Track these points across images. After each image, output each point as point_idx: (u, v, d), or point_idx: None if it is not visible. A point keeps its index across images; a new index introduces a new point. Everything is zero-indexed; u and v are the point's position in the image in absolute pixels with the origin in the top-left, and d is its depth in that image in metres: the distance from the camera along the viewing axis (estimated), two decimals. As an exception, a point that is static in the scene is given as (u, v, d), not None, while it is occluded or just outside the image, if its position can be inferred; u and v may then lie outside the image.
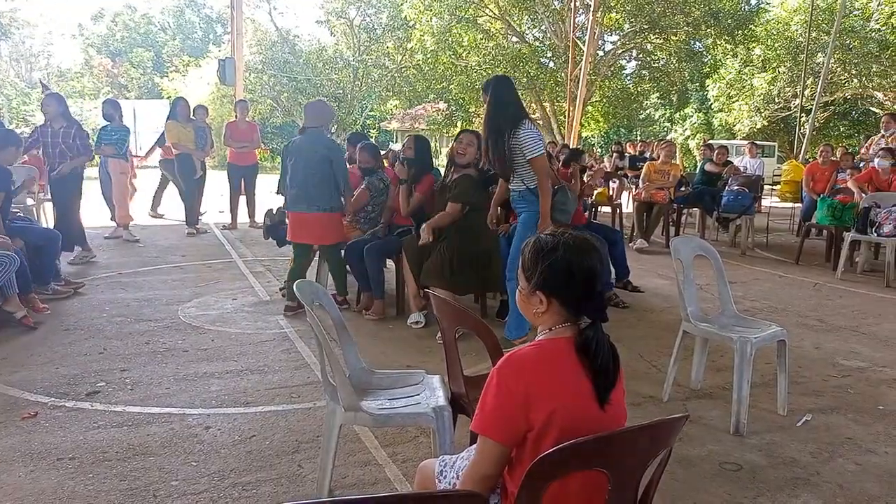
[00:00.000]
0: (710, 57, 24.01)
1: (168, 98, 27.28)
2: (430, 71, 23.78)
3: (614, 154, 12.88)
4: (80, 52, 44.08)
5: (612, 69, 22.58)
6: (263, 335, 4.61)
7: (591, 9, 17.69)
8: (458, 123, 25.64)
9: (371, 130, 31.08)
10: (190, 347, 4.31)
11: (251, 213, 9.45)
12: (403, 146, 5.53)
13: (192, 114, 8.84)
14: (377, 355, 4.16)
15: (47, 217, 8.59)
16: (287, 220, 5.20)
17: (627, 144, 15.38)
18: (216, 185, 10.79)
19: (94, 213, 8.77)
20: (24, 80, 39.81)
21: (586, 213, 6.22)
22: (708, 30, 20.14)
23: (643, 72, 23.93)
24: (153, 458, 2.85)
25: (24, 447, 2.93)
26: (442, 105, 26.23)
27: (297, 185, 4.91)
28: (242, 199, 9.57)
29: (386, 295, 5.54)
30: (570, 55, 19.12)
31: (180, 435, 3.08)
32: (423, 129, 29.65)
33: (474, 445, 1.69)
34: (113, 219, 8.31)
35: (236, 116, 9.69)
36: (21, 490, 2.59)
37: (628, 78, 24.53)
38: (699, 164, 10.63)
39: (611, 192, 10.41)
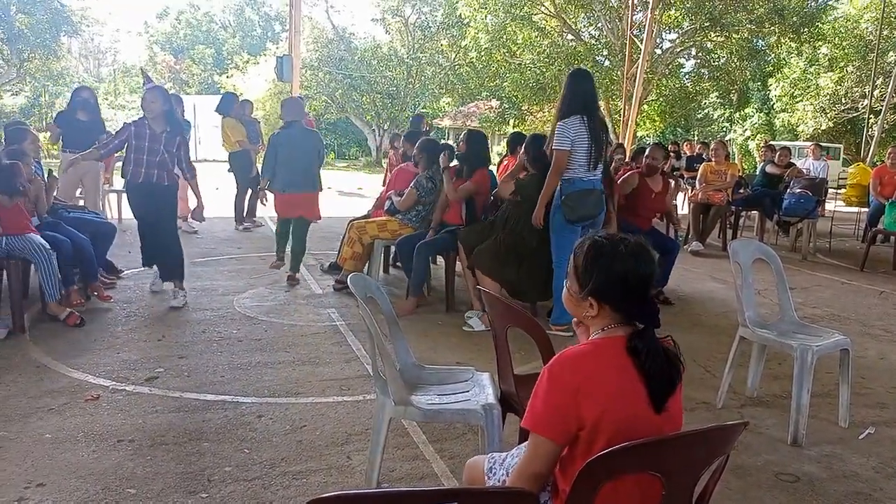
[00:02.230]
0: (773, 55, 23.26)
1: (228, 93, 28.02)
2: (483, 68, 23.73)
3: (671, 154, 12.61)
4: (144, 49, 45.66)
5: (669, 67, 22.10)
6: (315, 327, 4.68)
7: (650, 6, 17.35)
8: (511, 121, 25.54)
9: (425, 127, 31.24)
10: (244, 337, 4.41)
11: None
12: (459, 141, 5.59)
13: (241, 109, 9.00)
14: (426, 351, 4.17)
15: (111, 208, 8.91)
16: (275, 199, 6.01)
17: (685, 144, 15.04)
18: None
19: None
20: (93, 76, 41.41)
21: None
22: (772, 27, 19.49)
23: (702, 70, 23.34)
24: (207, 444, 2.93)
25: (87, 428, 3.05)
26: (495, 103, 26.14)
27: (290, 172, 5.76)
28: None
29: (433, 292, 5.58)
30: (626, 53, 18.80)
31: (234, 422, 3.16)
32: (475, 127, 29.67)
33: (524, 443, 1.68)
34: None
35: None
36: (84, 469, 2.70)
37: (686, 76, 23.97)
38: (759, 166, 10.31)
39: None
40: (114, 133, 5.35)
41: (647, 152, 5.94)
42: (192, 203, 8.31)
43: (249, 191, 8.96)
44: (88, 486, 2.57)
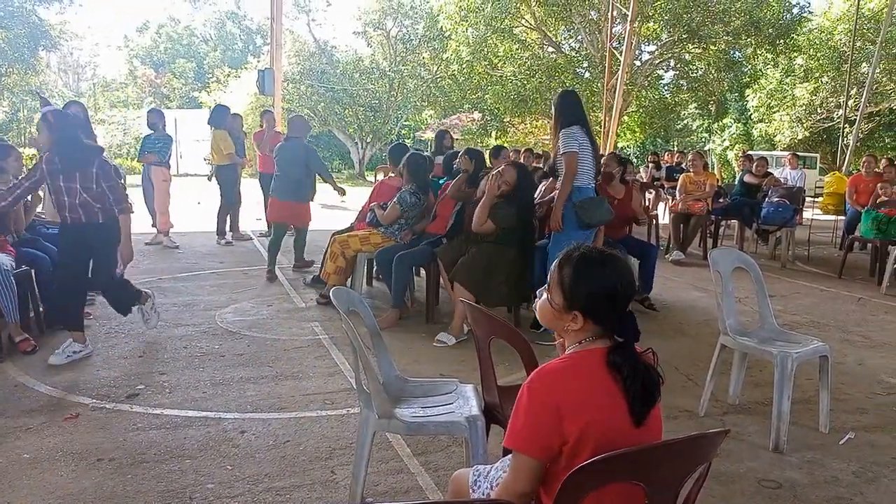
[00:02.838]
0: (750, 67, 23.64)
1: (209, 108, 27.90)
2: (465, 81, 23.85)
3: (651, 165, 12.75)
4: (125, 63, 45.36)
5: (649, 79, 22.38)
6: (298, 341, 4.65)
7: (629, 18, 17.57)
8: (493, 133, 25.69)
9: (406, 140, 31.26)
10: (226, 352, 4.38)
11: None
12: (460, 158, 5.62)
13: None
14: (410, 363, 4.17)
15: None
16: (270, 205, 6.93)
17: (665, 155, 15.20)
18: (252, 192, 10.91)
19: (135, 219, 8.94)
20: (73, 91, 41.07)
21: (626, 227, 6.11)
22: (748, 39, 19.82)
23: (681, 82, 23.67)
24: (189, 461, 2.90)
25: (66, 447, 3.00)
26: (477, 115, 26.29)
27: (285, 181, 6.58)
28: None
29: (416, 304, 5.57)
30: (606, 65, 19.00)
31: (216, 438, 3.13)
32: (457, 139, 29.74)
33: (509, 456, 1.68)
34: (154, 225, 8.49)
35: (262, 126, 9.72)
36: (63, 489, 2.65)
37: (665, 88, 24.28)
38: (738, 176, 10.45)
39: (647, 203, 10.29)
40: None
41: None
42: (161, 218, 8.29)
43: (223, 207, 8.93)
44: (67, 507, 2.52)
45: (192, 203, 12.99)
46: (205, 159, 24.62)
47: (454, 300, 4.83)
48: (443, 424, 2.46)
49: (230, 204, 8.87)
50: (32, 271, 4.51)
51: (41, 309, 4.69)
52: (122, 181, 4.34)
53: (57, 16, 27.50)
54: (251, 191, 10.51)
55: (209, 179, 9.28)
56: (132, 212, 4.30)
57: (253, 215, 11.00)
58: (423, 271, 5.84)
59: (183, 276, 6.64)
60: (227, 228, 8.92)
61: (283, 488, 2.71)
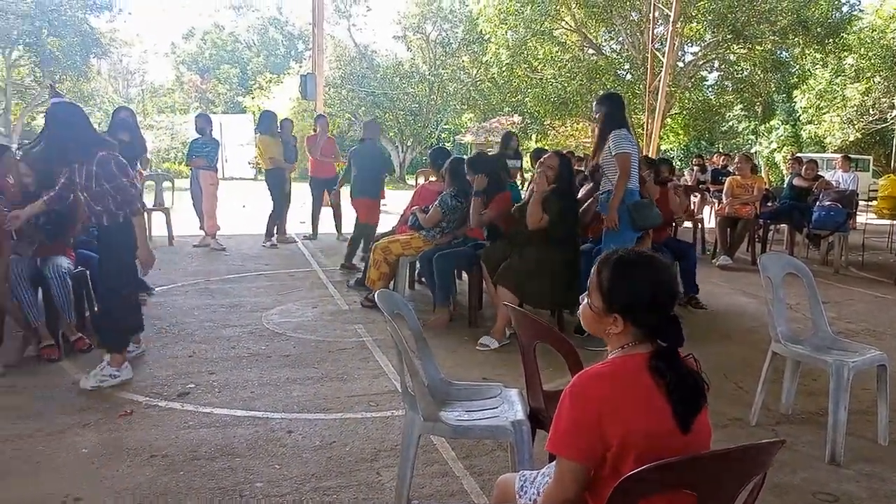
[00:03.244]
0: (797, 67, 23.03)
1: (252, 112, 28.43)
2: (504, 84, 23.79)
3: (695, 167, 12.53)
4: (171, 69, 46.54)
5: (692, 80, 21.98)
6: (342, 343, 4.71)
7: (671, 19, 17.32)
8: (533, 136, 25.57)
9: (446, 143, 31.38)
10: (273, 353, 4.45)
11: (338, 226, 9.60)
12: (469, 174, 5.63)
13: (278, 127, 9.17)
14: (453, 367, 4.17)
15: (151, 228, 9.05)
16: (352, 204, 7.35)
17: (716, 157, 14.92)
18: (297, 196, 11.07)
19: (184, 222, 9.17)
20: (122, 97, 42.26)
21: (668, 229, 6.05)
22: (796, 38, 19.31)
23: (726, 83, 23.18)
24: (239, 460, 2.96)
25: (121, 443, 3.10)
26: (517, 118, 26.20)
27: (358, 181, 7.28)
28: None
29: (459, 307, 5.58)
30: (648, 67, 18.75)
31: (264, 438, 3.18)
32: (497, 142, 29.71)
33: (555, 462, 1.67)
34: (202, 228, 8.67)
35: (315, 131, 9.92)
36: (119, 483, 2.73)
37: (710, 89, 23.82)
38: (787, 179, 10.19)
39: (692, 207, 10.11)
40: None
41: None
42: (213, 221, 8.46)
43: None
44: (123, 501, 2.60)
45: (238, 206, 13.24)
46: (249, 163, 25.17)
47: (497, 303, 4.82)
48: (488, 428, 2.46)
49: (279, 207, 9.02)
50: (87, 272, 4.65)
51: (95, 309, 4.85)
52: (131, 179, 3.85)
53: (107, 24, 28.39)
54: (298, 194, 10.62)
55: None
56: (142, 213, 3.96)
57: (297, 219, 11.16)
58: (465, 275, 5.86)
59: (230, 278, 6.77)
60: (274, 231, 9.07)
61: (329, 488, 2.74)
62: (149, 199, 9.19)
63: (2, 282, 4.07)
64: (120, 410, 3.44)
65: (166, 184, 9.25)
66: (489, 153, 7.14)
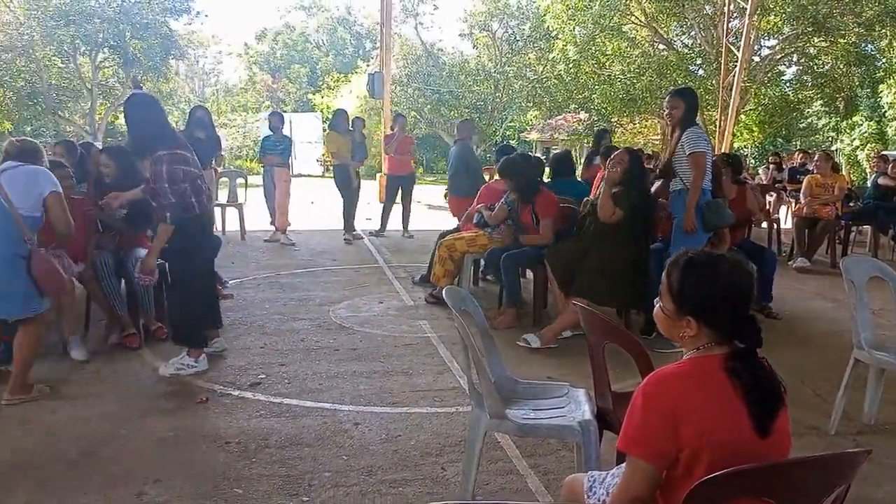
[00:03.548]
0: (884, 60, 21.82)
1: (321, 111, 29.04)
2: (571, 81, 23.46)
3: (771, 166, 12.07)
4: (244, 69, 47.98)
5: (769, 75, 21.16)
6: (408, 338, 4.76)
7: (748, 12, 16.71)
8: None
9: (511, 141, 31.25)
10: (340, 347, 4.54)
11: (405, 224, 9.70)
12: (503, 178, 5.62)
13: (350, 125, 9.35)
14: (517, 365, 4.15)
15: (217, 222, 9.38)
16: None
17: (797, 154, 14.32)
18: (363, 193, 11.25)
19: (254, 217, 9.44)
20: (198, 96, 43.91)
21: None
22: (883, 30, 18.31)
23: (805, 77, 22.20)
24: (308, 449, 3.04)
25: (197, 429, 3.23)
26: (583, 115, 25.82)
27: (451, 179, 8.07)
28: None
29: (523, 305, 5.55)
30: (722, 62, 18.15)
31: (332, 429, 3.26)
32: (563, 140, 29.35)
33: (624, 463, 1.65)
34: (272, 223, 8.91)
35: (393, 129, 10.04)
36: (196, 468, 2.85)
37: (787, 84, 22.87)
38: (871, 178, 9.68)
39: (768, 207, 9.74)
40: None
41: None
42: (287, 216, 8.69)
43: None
44: (200, 484, 2.71)
45: (306, 202, 13.54)
46: (317, 160, 25.71)
47: (559, 304, 4.77)
48: (555, 427, 2.45)
49: (348, 202, 9.19)
50: (165, 264, 4.86)
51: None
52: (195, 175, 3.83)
53: (185, 27, 29.53)
54: (364, 191, 10.76)
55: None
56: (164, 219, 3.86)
57: (363, 215, 11.34)
58: (529, 273, 5.83)
59: (299, 273, 6.95)
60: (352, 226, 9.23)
61: (395, 481, 2.78)
62: (223, 196, 9.55)
63: (88, 270, 4.31)
64: (196, 398, 3.59)
65: (239, 180, 9.54)
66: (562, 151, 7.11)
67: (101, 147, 5.90)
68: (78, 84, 26.70)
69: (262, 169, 9.24)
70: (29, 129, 25.33)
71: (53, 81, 25.52)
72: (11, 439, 3.07)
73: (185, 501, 2.60)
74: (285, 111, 33.81)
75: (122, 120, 31.69)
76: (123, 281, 4.55)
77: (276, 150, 8.61)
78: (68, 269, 3.76)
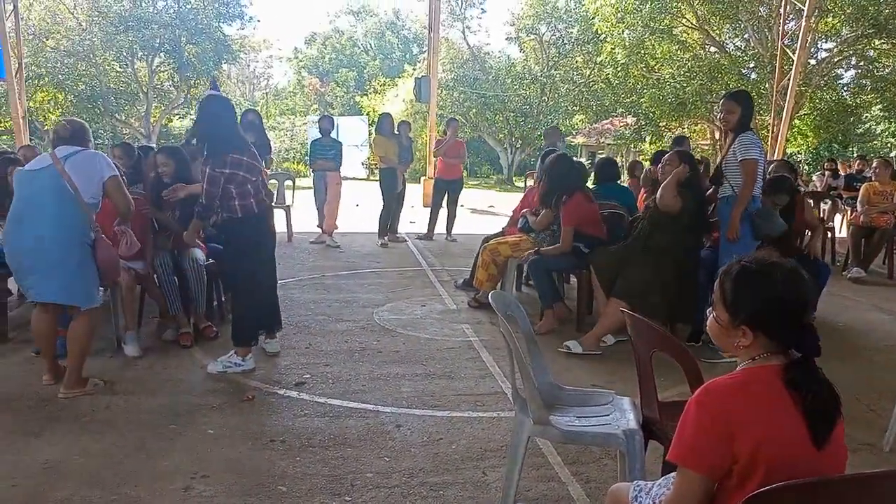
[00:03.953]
0: (949, 63, 20.96)
1: (367, 114, 29.35)
2: (619, 84, 23.21)
3: (827, 172, 11.71)
4: (294, 73, 48.84)
5: (825, 79, 20.53)
6: (450, 342, 4.77)
7: (805, 14, 16.24)
8: (647, 138, 24.77)
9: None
10: (383, 349, 4.58)
11: (449, 227, 9.72)
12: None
13: (395, 129, 9.42)
14: (560, 371, 4.12)
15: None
16: None
17: (856, 161, 13.87)
18: (407, 196, 11.32)
19: (302, 219, 9.58)
20: (248, 100, 44.83)
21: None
22: (948, 32, 17.61)
23: (863, 81, 21.46)
24: (351, 450, 3.07)
25: (244, 426, 3.30)
26: (630, 119, 25.48)
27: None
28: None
29: (567, 311, 5.49)
30: (776, 65, 17.69)
31: (374, 430, 3.29)
32: (609, 144, 29.02)
33: (673, 474, 1.63)
34: (319, 225, 8.99)
35: (446, 133, 10.08)
36: (242, 464, 2.91)
37: (845, 88, 22.14)
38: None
39: (822, 215, 9.46)
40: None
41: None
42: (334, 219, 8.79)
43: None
44: (245, 481, 2.77)
45: (352, 205, 13.69)
46: (362, 163, 25.97)
47: (604, 312, 4.69)
48: (599, 435, 2.42)
49: (389, 206, 9.25)
50: (214, 263, 5.00)
51: (223, 299, 5.19)
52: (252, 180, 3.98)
53: (238, 32, 30.24)
54: (408, 195, 10.82)
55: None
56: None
57: (407, 218, 11.41)
58: (573, 278, 5.78)
59: (344, 274, 7.03)
60: (387, 230, 9.30)
61: (436, 484, 2.79)
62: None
63: (148, 269, 4.45)
64: (243, 396, 3.66)
65: (287, 182, 9.72)
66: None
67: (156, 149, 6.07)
68: (135, 88, 27.59)
69: (310, 172, 9.35)
70: (88, 130, 26.22)
71: (112, 85, 26.40)
72: (65, 432, 3.18)
73: (231, 497, 2.65)
74: (333, 114, 34.29)
75: (175, 122, 32.70)
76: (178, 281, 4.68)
77: (327, 155, 8.69)
78: (133, 247, 3.99)
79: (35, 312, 3.68)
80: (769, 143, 16.82)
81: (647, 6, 19.58)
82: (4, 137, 24.51)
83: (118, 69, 26.88)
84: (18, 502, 2.58)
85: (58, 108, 24.15)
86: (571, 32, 27.25)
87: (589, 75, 26.58)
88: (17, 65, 11.97)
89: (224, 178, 3.83)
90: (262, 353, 4.37)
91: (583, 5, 25.03)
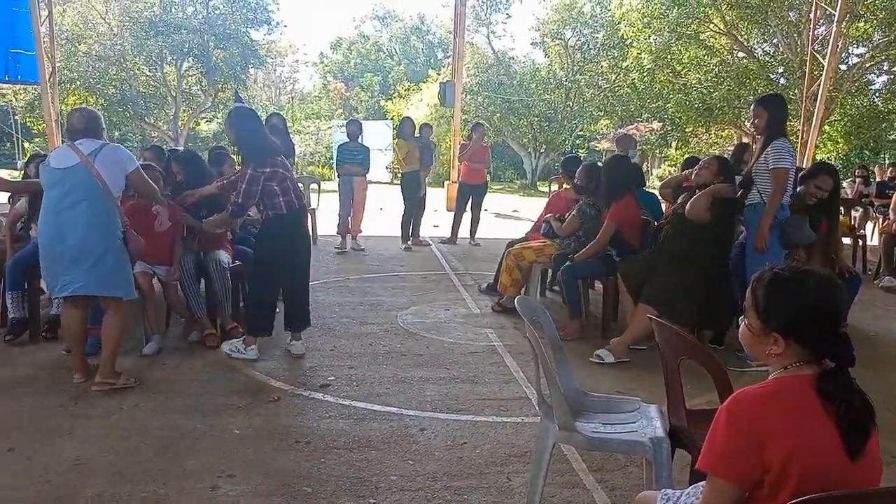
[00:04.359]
0: (985, 69, 20.48)
1: (391, 118, 29.49)
2: (645, 89, 23.03)
3: (858, 179, 11.51)
4: (319, 77, 49.24)
5: (856, 85, 20.18)
6: (474, 346, 4.77)
7: (836, 19, 16.00)
8: (673, 144, 24.55)
9: (580, 150, 30.89)
10: (407, 352, 4.59)
11: (473, 231, 9.71)
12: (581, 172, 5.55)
13: (416, 132, 9.44)
14: (584, 377, 4.09)
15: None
16: None
17: (877, 168, 13.63)
18: (429, 200, 11.33)
19: (327, 222, 9.63)
20: (274, 104, 45.30)
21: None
22: (985, 37, 17.22)
23: (896, 87, 21.07)
24: (375, 452, 3.08)
25: (269, 427, 3.32)
26: (655, 125, 25.28)
27: None
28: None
29: (592, 317, 5.47)
30: (806, 70, 17.43)
31: (398, 433, 3.29)
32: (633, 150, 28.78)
33: (701, 483, 1.61)
34: (339, 232, 8.79)
35: (470, 138, 10.07)
36: (267, 464, 2.94)
37: (877, 94, 21.74)
38: (969, 193, 9.08)
39: (853, 223, 9.29)
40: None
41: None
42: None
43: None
44: (271, 481, 2.79)
45: (375, 209, 13.75)
46: (386, 167, 26.09)
47: (631, 319, 4.65)
48: (626, 443, 2.40)
49: (411, 210, 9.27)
50: (242, 265, 5.05)
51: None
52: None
53: (265, 37, 30.58)
54: (431, 198, 10.85)
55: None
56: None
57: (430, 222, 11.43)
58: (598, 284, 5.74)
59: (368, 278, 7.07)
60: (409, 233, 9.31)
61: (460, 488, 2.79)
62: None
63: (175, 271, 4.52)
64: (268, 397, 3.69)
65: (313, 186, 9.79)
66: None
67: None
68: (163, 91, 28.05)
69: (335, 176, 9.38)
70: (117, 133, 26.76)
71: (141, 89, 26.88)
72: (95, 430, 3.23)
73: (256, 497, 2.67)
74: (357, 118, 34.48)
75: (203, 126, 33.13)
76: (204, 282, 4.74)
77: (355, 160, 8.63)
78: (162, 225, 4.25)
79: (65, 310, 3.76)
80: (798, 149, 16.57)
81: (674, 11, 19.42)
82: (38, 140, 25.02)
83: (148, 73, 27.37)
84: (51, 499, 2.62)
85: (89, 112, 24.62)
86: (597, 37, 27.14)
87: (614, 80, 26.44)
88: (50, 69, 12.24)
89: (265, 176, 4.05)
90: (286, 355, 4.41)
91: (608, 10, 24.94)
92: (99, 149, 3.62)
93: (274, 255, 4.21)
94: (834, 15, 15.88)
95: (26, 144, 28.78)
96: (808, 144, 16.45)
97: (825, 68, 16.12)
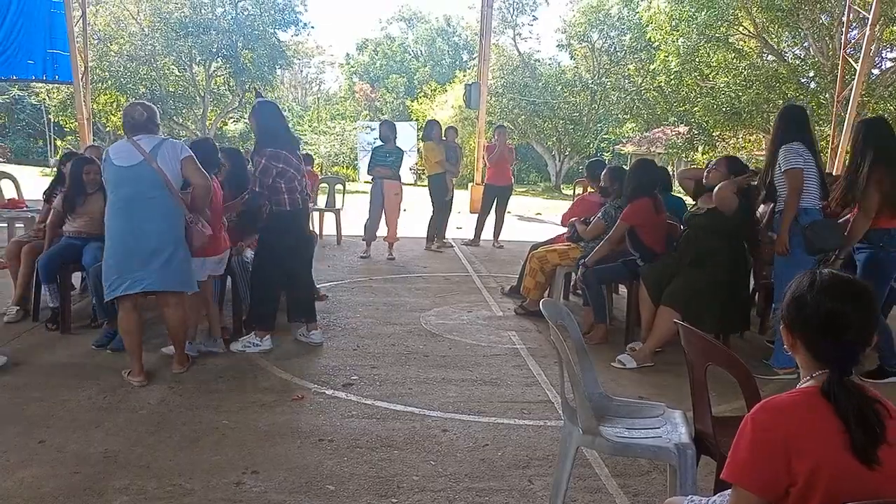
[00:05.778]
0: None
1: (416, 120, 29.59)
2: (672, 93, 22.83)
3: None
4: (345, 79, 49.55)
5: (889, 90, 19.81)
6: (496, 349, 4.76)
7: (869, 22, 15.72)
8: (700, 148, 24.30)
9: (605, 153, 30.72)
10: (430, 353, 4.60)
11: (497, 233, 9.68)
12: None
13: (443, 134, 9.43)
14: (607, 382, 4.06)
15: (314, 224, 9.71)
16: None
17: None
18: (458, 203, 11.33)
19: (351, 223, 9.67)
20: (300, 104, 45.71)
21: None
22: None
23: (931, 91, 20.64)
24: (397, 452, 3.09)
25: (293, 424, 3.35)
26: (682, 128, 25.04)
27: None
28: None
29: (616, 321, 5.43)
30: (838, 74, 17.15)
31: (421, 434, 3.30)
32: (659, 153, 28.56)
33: (727, 491, 1.59)
34: (364, 238, 8.48)
35: (494, 139, 10.01)
36: (291, 461, 2.96)
37: (911, 99, 21.31)
38: None
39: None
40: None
41: None
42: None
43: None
44: (294, 478, 2.82)
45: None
46: (410, 169, 26.18)
47: (654, 325, 4.60)
48: (650, 448, 2.38)
49: (439, 211, 9.27)
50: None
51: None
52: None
53: (292, 38, 30.87)
54: (456, 201, 10.82)
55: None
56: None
57: (453, 224, 11.43)
58: (622, 288, 5.71)
59: (391, 278, 7.10)
60: (434, 235, 9.30)
61: (482, 490, 2.79)
62: (321, 201, 9.88)
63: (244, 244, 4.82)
64: (292, 395, 3.73)
65: (338, 186, 9.85)
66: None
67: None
68: (192, 91, 28.44)
69: (359, 176, 9.41)
70: (147, 132, 27.12)
71: (171, 89, 27.29)
72: (124, 425, 3.29)
73: (280, 493, 2.70)
74: (381, 119, 34.60)
75: (230, 126, 33.51)
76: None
77: (385, 162, 8.26)
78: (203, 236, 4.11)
79: (126, 311, 3.77)
80: (828, 154, 16.31)
81: (703, 14, 19.21)
82: (69, 137, 25.49)
83: (177, 73, 27.77)
84: (80, 489, 2.67)
85: (119, 111, 25.07)
86: (624, 40, 26.98)
87: (641, 83, 26.23)
88: (83, 68, 12.46)
89: (277, 171, 4.28)
90: (310, 352, 4.45)
91: (636, 13, 24.77)
92: (158, 145, 3.70)
93: (273, 249, 4.41)
94: (867, 18, 15.60)
95: (58, 142, 29.35)
96: (839, 150, 16.16)
97: (857, 72, 15.84)
